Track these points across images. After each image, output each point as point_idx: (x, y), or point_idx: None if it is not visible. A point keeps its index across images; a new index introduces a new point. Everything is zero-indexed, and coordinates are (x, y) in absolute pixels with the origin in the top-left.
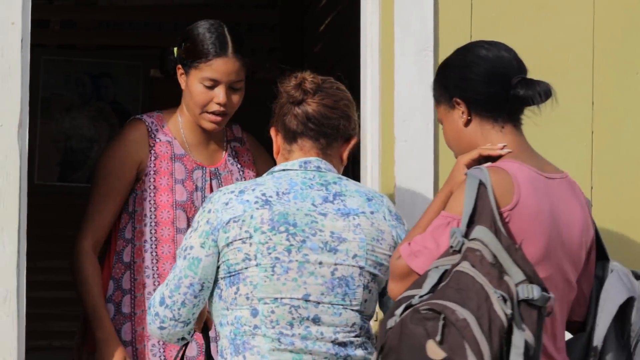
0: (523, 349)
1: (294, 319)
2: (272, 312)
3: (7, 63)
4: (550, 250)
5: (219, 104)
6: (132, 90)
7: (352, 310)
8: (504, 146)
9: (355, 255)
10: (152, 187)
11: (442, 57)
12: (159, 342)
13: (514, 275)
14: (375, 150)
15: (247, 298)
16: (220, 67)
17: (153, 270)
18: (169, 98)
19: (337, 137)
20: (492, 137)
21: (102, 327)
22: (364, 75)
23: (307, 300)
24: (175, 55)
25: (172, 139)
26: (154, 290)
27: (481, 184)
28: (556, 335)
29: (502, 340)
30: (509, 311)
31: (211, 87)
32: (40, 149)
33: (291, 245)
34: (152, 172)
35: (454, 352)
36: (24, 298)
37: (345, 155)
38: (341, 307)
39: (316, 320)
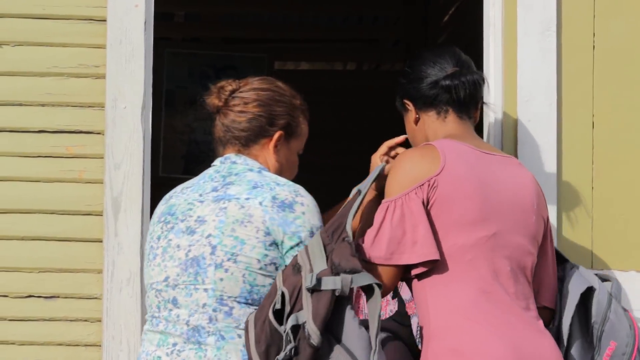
0: (294, 323)
1: (160, 302)
2: (148, 296)
3: (130, 45)
4: (487, 211)
5: None
6: None
7: (204, 290)
8: (405, 137)
9: (209, 235)
10: None
11: (565, 37)
12: None
13: (318, 267)
14: (498, 131)
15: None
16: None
17: None
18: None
19: (253, 138)
20: (435, 128)
21: None
22: (487, 57)
23: (167, 284)
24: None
25: None
26: None
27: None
28: (511, 285)
29: (271, 328)
30: (278, 305)
31: None
32: (165, 142)
33: (161, 233)
34: None
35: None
36: None
37: (271, 147)
38: (192, 287)
39: (175, 302)
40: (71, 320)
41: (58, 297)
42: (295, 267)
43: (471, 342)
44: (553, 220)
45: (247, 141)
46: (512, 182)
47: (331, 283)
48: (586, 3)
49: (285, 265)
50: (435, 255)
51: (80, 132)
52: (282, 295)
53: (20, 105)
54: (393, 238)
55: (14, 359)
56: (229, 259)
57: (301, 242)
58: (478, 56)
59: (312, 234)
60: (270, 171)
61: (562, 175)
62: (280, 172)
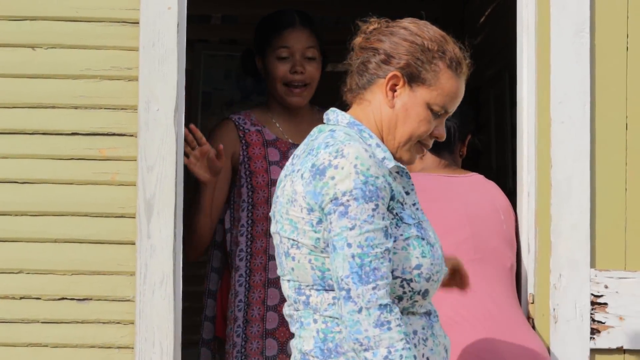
0: None
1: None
2: None
3: (163, 47)
4: (454, 222)
5: (295, 72)
6: None
7: (284, 280)
8: None
9: (277, 221)
10: (247, 172)
11: (599, 38)
12: (243, 322)
13: None
14: (532, 132)
15: None
16: (291, 35)
17: (246, 251)
18: (326, 92)
19: (366, 79)
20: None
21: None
22: (520, 58)
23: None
24: (254, 49)
25: (262, 128)
26: (245, 269)
27: None
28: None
29: None
30: None
31: (286, 59)
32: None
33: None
34: (245, 160)
35: None
36: (180, 281)
37: (384, 90)
38: (281, 278)
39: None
40: (104, 323)
41: (91, 299)
42: None
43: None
44: (586, 222)
45: (360, 82)
46: (474, 197)
47: None
48: (620, 4)
49: None
50: None
51: (113, 134)
52: None
53: (54, 107)
54: None
55: None
56: (292, 246)
57: (330, 213)
58: (513, 58)
59: (335, 201)
60: (376, 122)
61: (595, 176)
62: (394, 123)
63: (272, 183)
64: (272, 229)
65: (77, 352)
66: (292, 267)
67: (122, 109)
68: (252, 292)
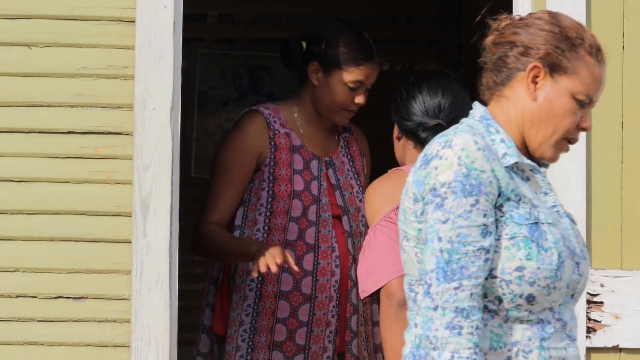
0: None
1: None
2: None
3: (159, 46)
4: None
5: (359, 104)
6: (289, 83)
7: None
8: None
9: (399, 212)
10: (271, 177)
11: None
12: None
13: None
14: None
15: None
16: (368, 70)
17: None
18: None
19: (504, 74)
20: (412, 154)
21: (250, 242)
22: None
23: None
24: (304, 49)
25: (290, 131)
26: (258, 276)
27: None
28: None
29: None
30: None
31: (355, 89)
32: (197, 142)
33: None
34: (271, 163)
35: None
36: (176, 280)
37: (527, 83)
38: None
39: None
40: (100, 321)
41: (87, 297)
42: None
43: None
44: (583, 219)
45: (497, 78)
46: None
47: None
48: (616, 3)
49: None
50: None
51: (109, 133)
52: None
53: (50, 106)
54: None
55: (42, 359)
56: (403, 238)
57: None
58: None
59: (434, 192)
60: (516, 117)
61: (591, 175)
62: (537, 116)
63: (295, 195)
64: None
65: (73, 350)
66: (404, 260)
67: (118, 107)
68: (262, 302)
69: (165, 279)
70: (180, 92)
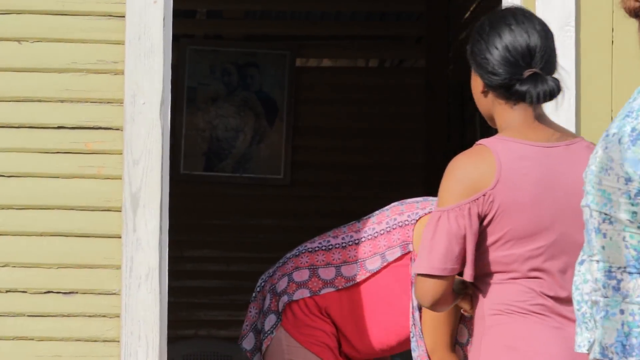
0: None
1: None
2: None
3: (149, 41)
4: (547, 221)
5: None
6: (278, 80)
7: (593, 261)
8: None
9: (588, 192)
10: None
11: (584, 32)
12: None
13: None
14: None
15: None
16: None
17: None
18: (315, 88)
19: None
20: (503, 112)
21: None
22: None
23: None
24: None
25: None
26: None
27: None
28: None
29: None
30: None
31: None
32: (186, 139)
33: None
34: None
35: None
36: (166, 275)
37: None
38: (589, 258)
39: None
40: (90, 316)
41: (77, 293)
42: None
43: (525, 339)
44: None
45: None
46: (575, 177)
47: None
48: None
49: None
50: (471, 278)
51: (99, 128)
52: None
53: (39, 101)
54: (449, 251)
55: (32, 354)
56: (603, 220)
57: None
58: None
59: None
60: None
61: None
62: None
63: None
64: (582, 202)
65: (62, 345)
66: (603, 245)
67: (108, 102)
68: None
69: (155, 274)
70: (170, 87)
